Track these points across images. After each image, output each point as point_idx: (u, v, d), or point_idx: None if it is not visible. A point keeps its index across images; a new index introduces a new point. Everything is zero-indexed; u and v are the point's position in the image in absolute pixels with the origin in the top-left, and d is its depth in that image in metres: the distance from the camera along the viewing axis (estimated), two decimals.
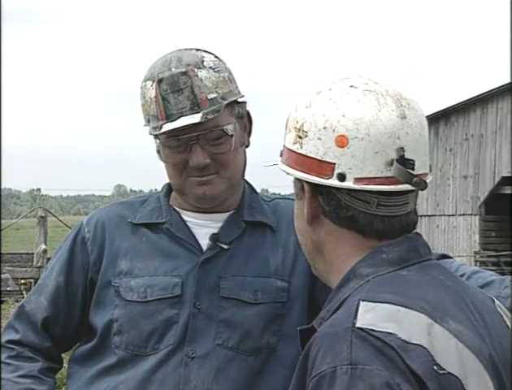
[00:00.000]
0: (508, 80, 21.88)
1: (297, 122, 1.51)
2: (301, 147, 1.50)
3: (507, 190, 22.46)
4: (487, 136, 22.86)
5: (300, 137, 1.50)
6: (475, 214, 23.17)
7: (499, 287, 1.94)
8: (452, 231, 23.55)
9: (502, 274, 2.15)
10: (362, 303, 1.39)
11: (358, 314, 1.37)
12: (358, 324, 1.35)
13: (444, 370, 1.35)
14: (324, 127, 1.47)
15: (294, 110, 1.53)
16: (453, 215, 23.48)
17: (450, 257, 2.08)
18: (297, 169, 1.52)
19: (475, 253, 22.96)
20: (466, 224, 23.33)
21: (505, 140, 22.33)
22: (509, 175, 22.27)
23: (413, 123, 1.48)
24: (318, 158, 1.48)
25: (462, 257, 21.06)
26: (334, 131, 1.47)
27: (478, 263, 21.65)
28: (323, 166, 1.48)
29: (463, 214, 23.35)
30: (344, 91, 1.49)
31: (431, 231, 23.60)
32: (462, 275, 1.98)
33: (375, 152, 1.46)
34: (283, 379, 2.09)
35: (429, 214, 23.42)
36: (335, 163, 1.47)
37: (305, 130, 1.50)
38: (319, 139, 1.48)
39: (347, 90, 1.49)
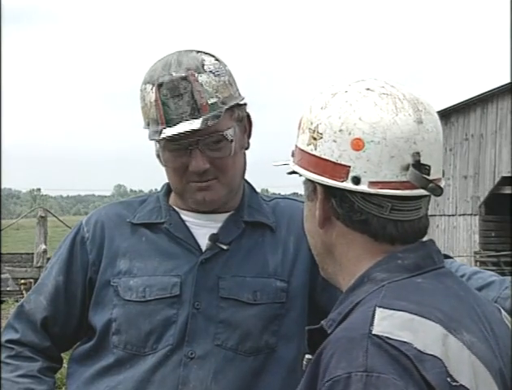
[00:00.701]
0: (508, 80, 21.89)
1: (312, 123, 1.50)
2: (316, 149, 1.49)
3: (507, 190, 22.46)
4: (487, 136, 22.87)
5: (314, 139, 1.49)
6: (475, 214, 23.18)
7: (499, 288, 1.94)
8: (452, 231, 23.56)
9: (502, 274, 2.15)
10: (378, 309, 1.38)
11: (375, 320, 1.36)
12: (375, 331, 1.34)
13: (456, 382, 1.34)
14: (340, 130, 1.46)
15: (308, 112, 1.52)
16: (453, 215, 23.49)
17: (450, 258, 2.08)
18: (310, 170, 1.50)
19: (475, 253, 22.97)
20: (466, 224, 23.34)
21: (505, 140, 22.33)
22: (509, 175, 22.27)
23: (429, 128, 1.47)
24: (333, 160, 1.47)
25: (462, 257, 21.06)
26: (350, 134, 1.45)
27: (478, 263, 21.66)
28: (338, 169, 1.46)
29: (463, 214, 23.35)
30: (360, 94, 1.48)
31: (431, 231, 23.60)
32: (462, 276, 1.98)
33: (391, 156, 1.44)
34: (281, 380, 2.09)
35: (429, 214, 23.32)
36: (350, 166, 1.45)
37: (320, 132, 1.48)
38: (335, 141, 1.46)
39: (363, 93, 1.48)
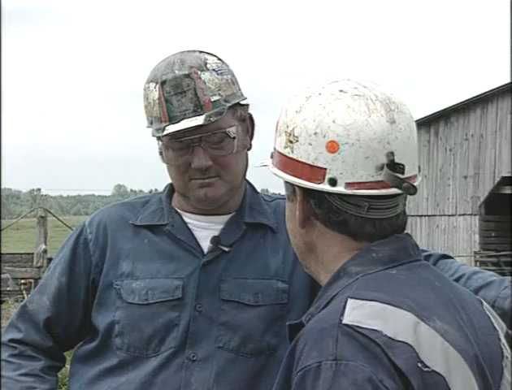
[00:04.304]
0: (508, 80, 21.88)
1: (288, 126, 1.53)
2: (292, 151, 1.52)
3: (507, 190, 22.46)
4: (487, 136, 22.86)
5: (291, 142, 1.52)
6: (475, 214, 23.17)
7: (498, 287, 1.94)
8: (452, 231, 23.55)
9: (502, 274, 2.16)
10: (349, 300, 1.41)
11: (346, 310, 1.39)
12: (345, 321, 1.38)
13: (428, 367, 1.37)
14: (315, 133, 1.49)
15: (284, 115, 1.55)
16: (453, 215, 23.48)
17: (451, 258, 2.09)
18: (288, 173, 1.53)
19: (475, 253, 22.96)
20: (466, 224, 23.33)
21: (505, 140, 22.33)
22: (509, 175, 22.27)
23: (402, 127, 1.50)
24: (310, 162, 1.50)
25: (462, 257, 21.06)
26: (325, 136, 1.48)
27: (478, 263, 21.65)
28: (315, 171, 1.49)
29: (463, 214, 23.34)
30: (333, 96, 1.51)
31: (431, 231, 23.60)
32: (461, 276, 1.99)
33: (365, 157, 1.47)
34: None
35: (429, 214, 23.42)
36: (326, 168, 1.48)
37: (295, 135, 1.51)
38: (310, 144, 1.49)
39: (336, 95, 1.51)
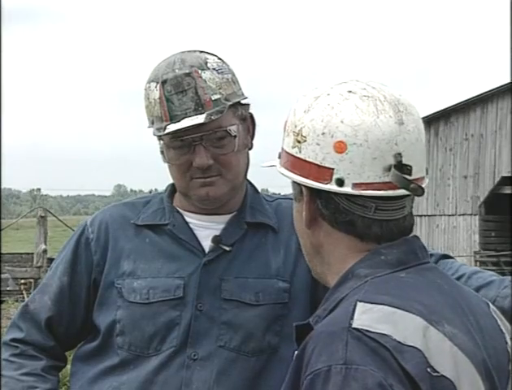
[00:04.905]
0: (508, 80, 21.89)
1: (296, 126, 1.53)
2: (300, 151, 1.52)
3: (507, 190, 22.48)
4: (487, 136, 22.88)
5: (298, 142, 1.52)
6: (474, 214, 23.18)
7: (498, 287, 1.95)
8: (452, 231, 23.56)
9: (502, 274, 2.15)
10: (359, 304, 1.41)
11: (355, 314, 1.39)
12: (355, 325, 1.37)
13: (437, 372, 1.37)
14: (323, 133, 1.49)
15: (292, 115, 1.55)
16: (453, 215, 23.50)
17: (451, 258, 2.09)
18: (295, 173, 1.53)
19: (475, 253, 22.97)
20: (466, 224, 23.34)
21: (505, 140, 22.35)
22: (509, 175, 22.29)
23: (410, 128, 1.50)
24: (317, 163, 1.49)
25: (462, 257, 21.06)
26: (332, 137, 1.48)
27: (478, 263, 21.66)
28: (322, 171, 1.49)
29: (463, 214, 23.36)
30: (342, 96, 1.50)
31: (431, 231, 23.60)
32: (462, 276, 1.99)
33: (373, 158, 1.47)
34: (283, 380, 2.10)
35: (429, 214, 23.42)
36: (333, 169, 1.48)
37: (303, 135, 1.51)
38: (318, 144, 1.49)
39: (345, 95, 1.50)
